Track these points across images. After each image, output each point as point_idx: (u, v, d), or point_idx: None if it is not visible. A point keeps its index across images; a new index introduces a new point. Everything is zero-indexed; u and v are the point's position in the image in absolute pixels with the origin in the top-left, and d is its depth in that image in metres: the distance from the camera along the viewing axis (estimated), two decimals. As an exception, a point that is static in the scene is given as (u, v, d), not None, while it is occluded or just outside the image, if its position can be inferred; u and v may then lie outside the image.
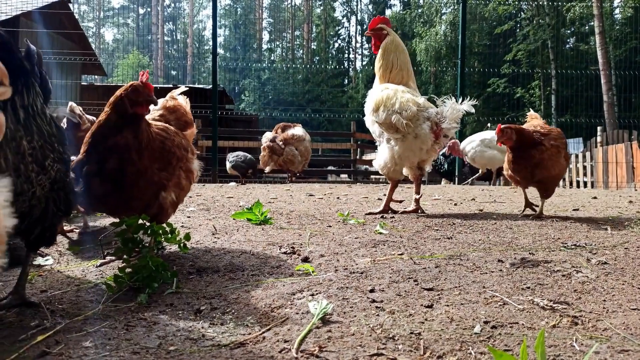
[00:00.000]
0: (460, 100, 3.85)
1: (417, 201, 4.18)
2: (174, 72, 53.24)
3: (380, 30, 4.25)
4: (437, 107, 3.92)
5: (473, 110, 3.81)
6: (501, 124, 3.78)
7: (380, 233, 3.22)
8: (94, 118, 3.74)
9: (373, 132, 4.12)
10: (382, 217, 3.96)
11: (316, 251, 2.69)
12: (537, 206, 4.10)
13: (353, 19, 48.01)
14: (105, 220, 3.59)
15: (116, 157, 2.28)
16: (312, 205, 4.64)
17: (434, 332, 1.59)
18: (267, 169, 9.77)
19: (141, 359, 1.44)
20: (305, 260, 2.52)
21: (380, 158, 4.02)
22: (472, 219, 3.81)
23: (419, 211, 4.17)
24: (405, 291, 1.99)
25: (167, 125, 2.70)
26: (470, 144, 9.39)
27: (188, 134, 2.93)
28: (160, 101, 2.99)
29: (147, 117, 2.82)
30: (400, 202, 4.74)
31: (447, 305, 1.83)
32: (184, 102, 3.10)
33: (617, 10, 26.87)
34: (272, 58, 49.20)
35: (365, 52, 46.26)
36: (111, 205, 2.40)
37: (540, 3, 25.80)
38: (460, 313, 1.75)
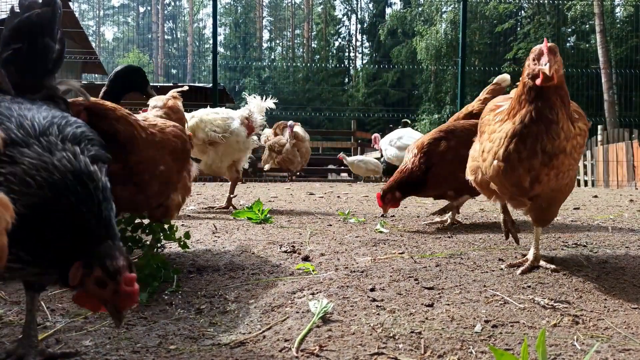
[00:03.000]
0: (264, 98, 4.80)
1: (230, 200, 4.63)
2: (174, 71, 53.17)
3: None
4: (248, 103, 4.76)
5: (274, 106, 4.70)
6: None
7: (381, 232, 3.21)
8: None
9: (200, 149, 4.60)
10: (382, 215, 3.95)
11: (316, 250, 2.68)
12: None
13: (353, 17, 47.96)
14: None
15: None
16: (312, 204, 4.64)
17: (434, 331, 1.59)
18: (266, 167, 9.78)
19: (141, 358, 1.44)
20: (306, 259, 2.52)
21: (204, 161, 4.59)
22: (473, 218, 3.81)
23: (231, 208, 4.54)
24: (406, 290, 1.98)
25: (181, 126, 2.68)
26: (385, 143, 9.40)
27: None
28: (162, 99, 3.00)
29: (152, 115, 2.82)
30: (235, 196, 5.02)
31: (448, 304, 1.82)
32: (179, 101, 3.12)
33: (617, 9, 26.79)
34: (273, 57, 49.11)
35: (366, 50, 46.23)
36: (132, 204, 2.35)
37: (541, 1, 25.75)
38: (461, 312, 1.75)
